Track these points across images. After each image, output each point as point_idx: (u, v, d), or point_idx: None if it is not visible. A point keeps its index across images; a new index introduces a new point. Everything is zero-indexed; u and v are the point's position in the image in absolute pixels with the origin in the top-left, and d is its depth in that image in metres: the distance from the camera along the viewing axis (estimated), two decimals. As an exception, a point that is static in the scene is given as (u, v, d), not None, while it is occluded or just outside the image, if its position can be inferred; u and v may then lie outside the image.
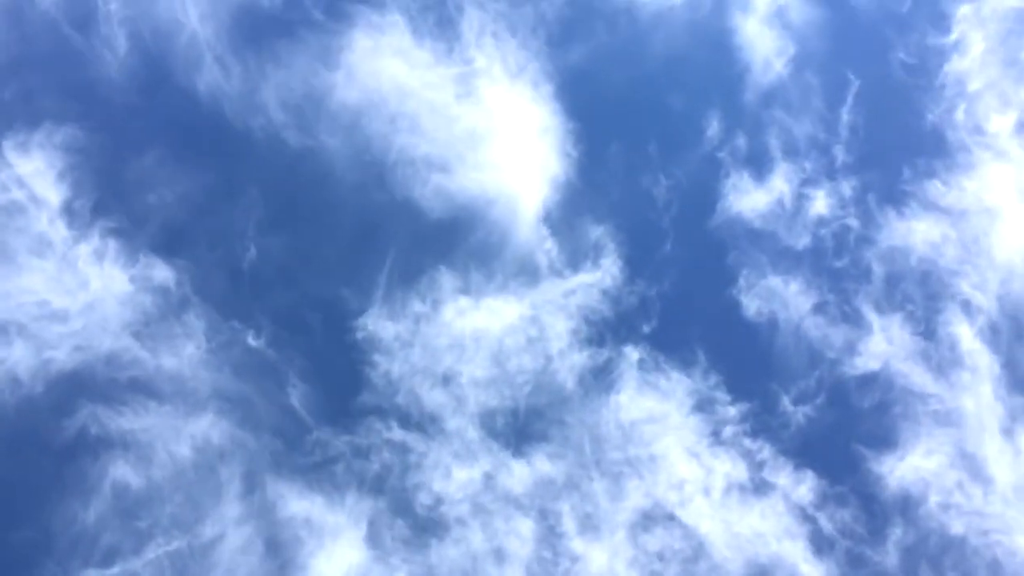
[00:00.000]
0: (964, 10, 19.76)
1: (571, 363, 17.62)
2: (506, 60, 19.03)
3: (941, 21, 19.85)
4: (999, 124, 19.24)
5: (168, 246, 17.29)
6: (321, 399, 17.09)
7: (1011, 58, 19.56)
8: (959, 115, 19.40)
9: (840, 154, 19.06)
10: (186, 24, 18.51)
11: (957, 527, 17.01)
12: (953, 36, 19.78)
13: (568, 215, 18.48)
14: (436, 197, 18.22)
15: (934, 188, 18.92)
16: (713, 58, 19.59)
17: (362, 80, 18.66)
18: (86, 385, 16.30)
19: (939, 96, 19.51)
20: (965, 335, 18.16)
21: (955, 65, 19.67)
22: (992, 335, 18.18)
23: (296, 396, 17.01)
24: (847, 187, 18.90)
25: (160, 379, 16.66)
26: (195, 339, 16.92)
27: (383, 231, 18.02)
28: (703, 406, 17.62)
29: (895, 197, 18.88)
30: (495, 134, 18.56)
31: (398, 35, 18.98)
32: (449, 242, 18.04)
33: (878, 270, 18.50)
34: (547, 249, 18.18)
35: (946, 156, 19.12)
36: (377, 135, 18.42)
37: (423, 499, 16.75)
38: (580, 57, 19.37)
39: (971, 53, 19.65)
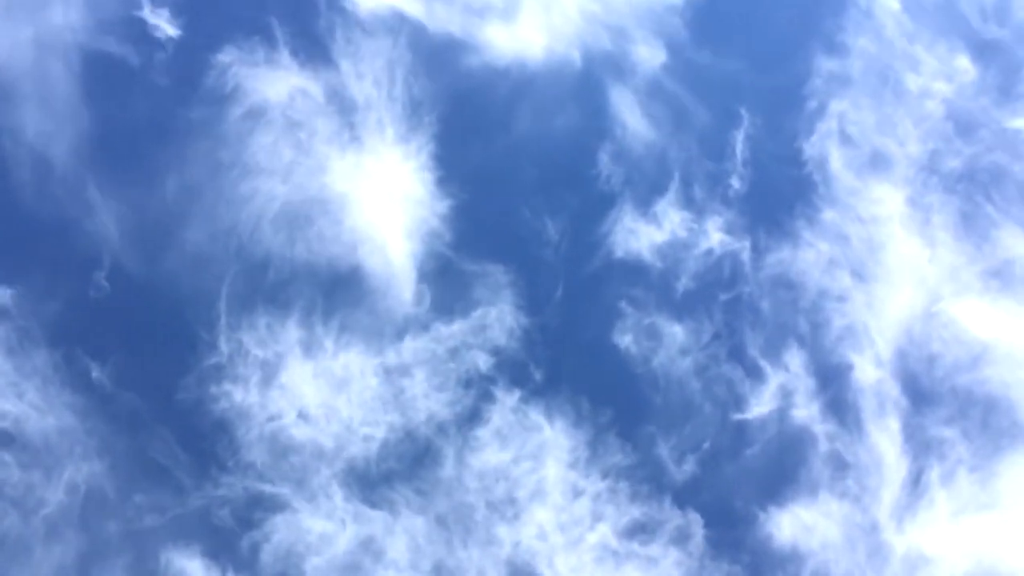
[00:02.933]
0: (861, 42, 19.26)
1: (438, 411, 16.58)
2: (381, 119, 18.11)
3: (833, 51, 19.27)
4: (888, 151, 18.64)
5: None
6: (167, 446, 16.00)
7: (896, 88, 19.07)
8: (845, 144, 18.77)
9: (731, 188, 18.29)
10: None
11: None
12: (839, 68, 19.23)
13: (445, 264, 17.50)
14: (305, 248, 17.21)
15: (823, 218, 18.16)
16: (598, 95, 18.83)
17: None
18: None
19: (825, 125, 18.83)
20: (862, 371, 17.31)
21: (840, 94, 19.06)
22: (890, 369, 17.33)
23: (140, 442, 15.93)
24: (737, 222, 18.08)
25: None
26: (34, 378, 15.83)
27: (245, 278, 16.98)
28: (582, 454, 16.58)
29: (786, 230, 18.09)
30: (366, 186, 17.63)
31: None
32: (319, 294, 17.04)
33: (768, 305, 17.64)
34: (421, 300, 17.17)
35: (833, 185, 18.39)
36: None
37: (277, 554, 15.64)
38: (456, 104, 18.39)
39: (855, 82, 19.11)
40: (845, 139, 18.67)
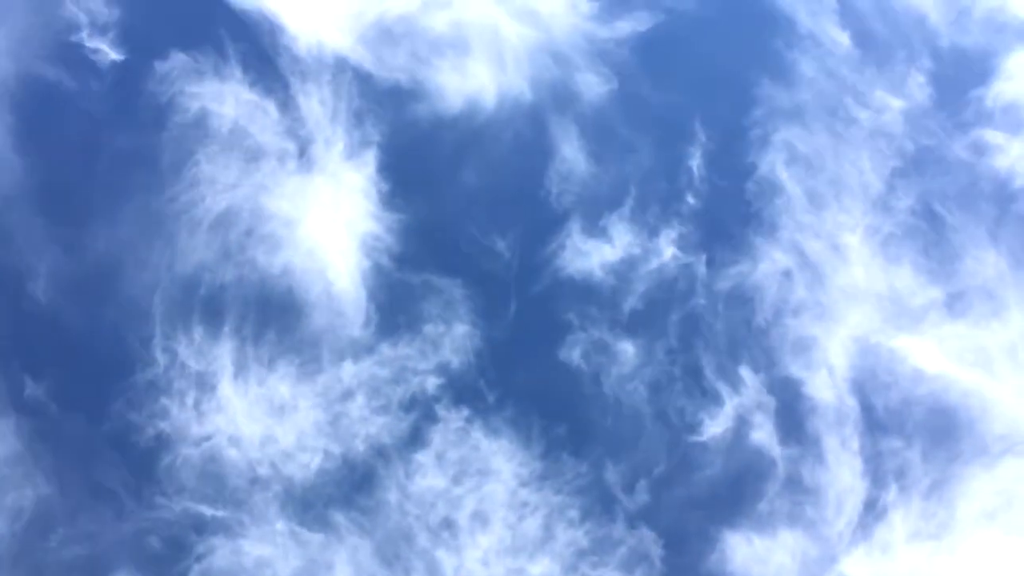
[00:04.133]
0: (811, 70, 19.37)
1: (379, 433, 16.10)
2: (329, 138, 17.90)
3: (781, 78, 19.33)
4: (841, 175, 18.61)
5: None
6: (101, 465, 15.42)
7: (846, 115, 19.12)
8: (798, 166, 18.70)
9: (684, 207, 18.11)
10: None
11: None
12: (788, 96, 19.23)
13: (391, 281, 17.13)
14: (247, 265, 16.83)
15: (779, 238, 18.01)
16: (547, 120, 18.71)
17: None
18: None
19: (777, 150, 18.78)
20: (818, 392, 17.02)
21: (790, 120, 19.03)
22: (847, 390, 17.05)
23: (71, 462, 15.33)
24: (691, 240, 17.85)
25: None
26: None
27: (181, 293, 16.54)
28: (530, 475, 16.10)
29: (740, 248, 17.89)
30: (312, 202, 17.35)
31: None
32: (258, 312, 16.62)
33: (723, 324, 17.35)
34: (366, 318, 16.78)
35: (788, 207, 18.30)
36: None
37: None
38: (404, 128, 18.22)
39: (806, 109, 19.15)
40: (798, 162, 18.63)
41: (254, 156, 17.37)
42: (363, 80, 18.19)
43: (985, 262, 18.03)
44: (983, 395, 17.09)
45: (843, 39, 19.58)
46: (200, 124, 17.26)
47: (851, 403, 17.05)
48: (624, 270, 17.50)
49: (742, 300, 17.48)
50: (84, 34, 17.48)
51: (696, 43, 19.52)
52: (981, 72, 19.53)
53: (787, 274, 17.74)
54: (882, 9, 19.93)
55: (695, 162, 18.35)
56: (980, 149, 19.01)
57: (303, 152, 17.55)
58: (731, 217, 18.15)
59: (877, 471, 16.72)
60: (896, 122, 19.10)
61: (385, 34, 18.48)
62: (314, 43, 18.06)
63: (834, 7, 19.75)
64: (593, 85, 18.85)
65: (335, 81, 18.00)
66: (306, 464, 15.82)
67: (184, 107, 17.28)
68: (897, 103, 19.17)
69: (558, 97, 18.74)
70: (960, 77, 19.54)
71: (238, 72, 17.66)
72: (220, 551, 15.31)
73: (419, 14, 18.67)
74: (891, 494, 16.49)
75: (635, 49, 19.10)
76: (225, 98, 17.46)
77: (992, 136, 19.04)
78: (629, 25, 19.20)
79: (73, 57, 17.38)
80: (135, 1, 17.91)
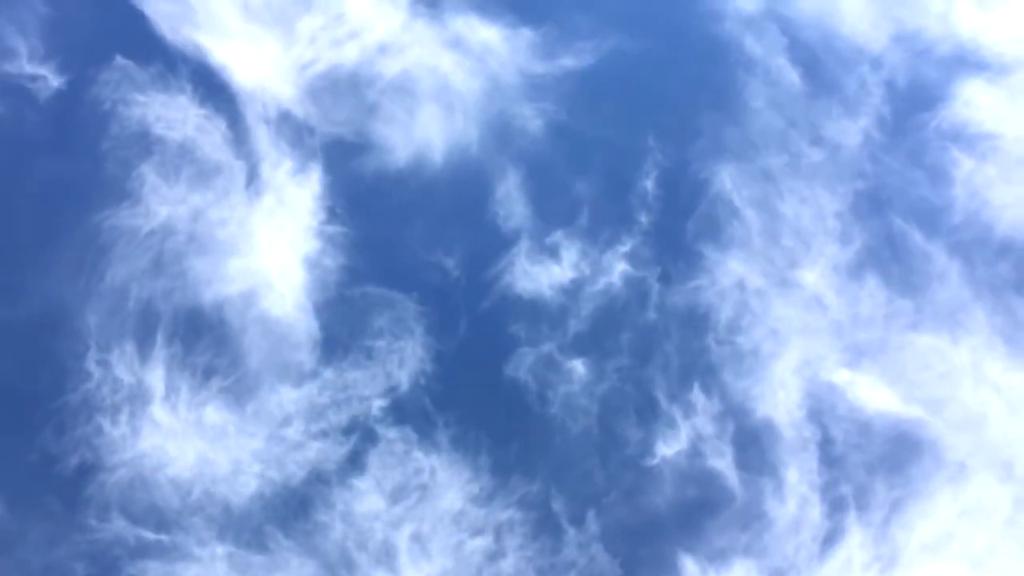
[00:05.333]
0: (759, 103, 19.50)
1: (320, 455, 15.73)
2: (276, 160, 17.89)
3: (728, 109, 19.47)
4: (796, 204, 18.62)
5: None
6: (32, 485, 14.98)
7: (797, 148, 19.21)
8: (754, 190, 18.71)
9: (636, 227, 18.04)
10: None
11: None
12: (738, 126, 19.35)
13: (336, 300, 16.93)
14: (188, 283, 16.62)
15: (732, 258, 17.93)
16: (502, 123, 18.75)
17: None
18: None
19: (727, 178, 18.77)
20: (773, 415, 16.72)
21: (738, 153, 19.08)
22: (802, 414, 16.75)
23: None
24: (642, 259, 17.73)
25: None
26: None
27: (117, 312, 16.26)
28: (476, 497, 15.68)
29: (693, 267, 17.79)
30: (257, 221, 17.23)
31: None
32: (196, 331, 16.36)
33: (676, 343, 17.13)
34: (310, 336, 16.53)
35: (741, 227, 18.23)
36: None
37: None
38: (352, 153, 18.25)
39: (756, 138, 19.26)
40: (748, 188, 18.61)
41: (198, 173, 17.30)
42: (308, 128, 18.28)
43: (940, 289, 17.93)
44: (931, 427, 16.82)
45: (793, 73, 19.76)
46: (145, 141, 17.27)
47: (805, 432, 16.75)
48: (574, 288, 17.36)
49: (694, 319, 17.32)
50: (23, 60, 17.65)
51: (646, 75, 19.65)
52: (931, 101, 19.72)
53: (739, 299, 17.60)
54: (830, 42, 20.18)
55: (647, 183, 18.36)
56: (933, 176, 19.08)
57: (249, 171, 17.50)
58: (680, 240, 18.08)
59: (831, 500, 16.36)
60: (846, 151, 19.17)
61: (332, 85, 18.65)
62: (259, 91, 18.23)
63: (784, 43, 19.99)
64: (540, 116, 18.92)
65: (280, 127, 18.16)
66: (243, 488, 15.37)
67: (129, 123, 17.32)
68: (848, 132, 19.28)
69: (505, 129, 18.80)
70: (910, 107, 19.71)
71: (186, 88, 17.79)
72: (154, 575, 14.80)
73: (366, 62, 18.81)
74: (846, 522, 16.12)
75: (581, 82, 19.22)
76: (170, 112, 17.51)
77: (946, 162, 19.14)
78: (572, 61, 19.34)
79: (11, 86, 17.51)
80: (77, 27, 18.14)
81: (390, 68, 18.83)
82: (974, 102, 19.69)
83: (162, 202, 16.97)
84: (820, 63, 20.00)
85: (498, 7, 19.54)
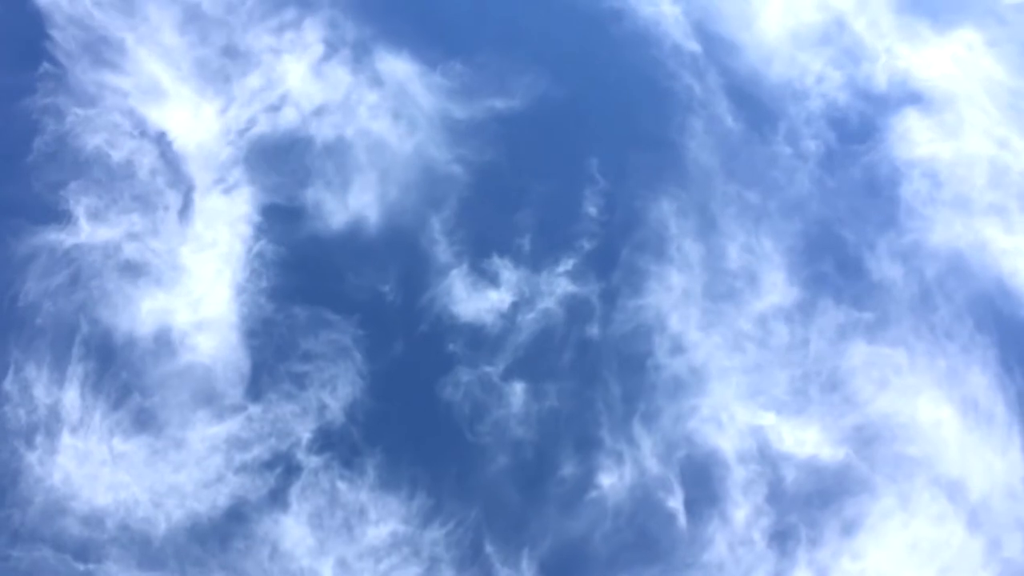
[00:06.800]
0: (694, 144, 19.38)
1: (242, 487, 14.62)
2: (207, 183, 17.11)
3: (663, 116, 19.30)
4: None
5: None
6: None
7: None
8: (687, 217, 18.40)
9: (578, 250, 17.52)
10: None
11: None
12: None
13: (266, 326, 16.02)
14: (110, 307, 15.59)
15: (672, 282, 17.54)
16: (433, 168, 18.21)
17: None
18: None
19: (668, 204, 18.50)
20: (716, 445, 16.12)
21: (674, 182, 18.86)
22: (745, 446, 16.17)
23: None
24: (583, 281, 17.23)
25: None
26: None
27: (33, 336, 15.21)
28: (407, 534, 14.62)
29: (634, 290, 17.30)
30: (188, 245, 16.35)
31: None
32: (113, 359, 15.35)
33: (616, 368, 16.50)
34: (238, 365, 15.59)
35: (678, 251, 17.88)
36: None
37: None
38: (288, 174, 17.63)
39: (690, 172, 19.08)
40: (686, 218, 18.30)
41: (127, 195, 16.43)
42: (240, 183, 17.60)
43: (881, 320, 17.70)
44: (877, 459, 16.41)
45: (730, 110, 19.68)
46: (75, 159, 16.45)
47: (750, 465, 16.17)
48: (512, 312, 16.70)
49: (634, 344, 16.78)
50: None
51: (579, 115, 19.32)
52: (867, 134, 19.85)
53: (678, 327, 17.09)
54: (764, 80, 20.24)
55: (589, 209, 17.92)
56: (869, 208, 19.07)
57: (182, 197, 16.67)
58: (620, 266, 17.58)
59: (778, 535, 15.75)
60: (782, 185, 19.04)
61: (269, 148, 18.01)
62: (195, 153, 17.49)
63: (721, 82, 19.97)
64: (477, 154, 18.37)
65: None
66: (162, 520, 14.29)
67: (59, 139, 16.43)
68: (784, 167, 19.19)
69: (437, 172, 18.19)
70: (846, 140, 19.80)
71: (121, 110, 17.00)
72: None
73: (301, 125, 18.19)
74: (796, 556, 15.51)
75: (515, 122, 18.77)
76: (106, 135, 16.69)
77: (882, 192, 19.21)
78: (506, 103, 18.93)
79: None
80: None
81: (324, 130, 18.20)
82: (909, 135, 19.91)
83: (88, 221, 16.18)
84: (756, 100, 20.01)
85: (431, 57, 19.07)
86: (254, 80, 18.25)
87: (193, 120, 17.52)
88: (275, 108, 18.10)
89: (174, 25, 18.26)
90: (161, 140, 17.17)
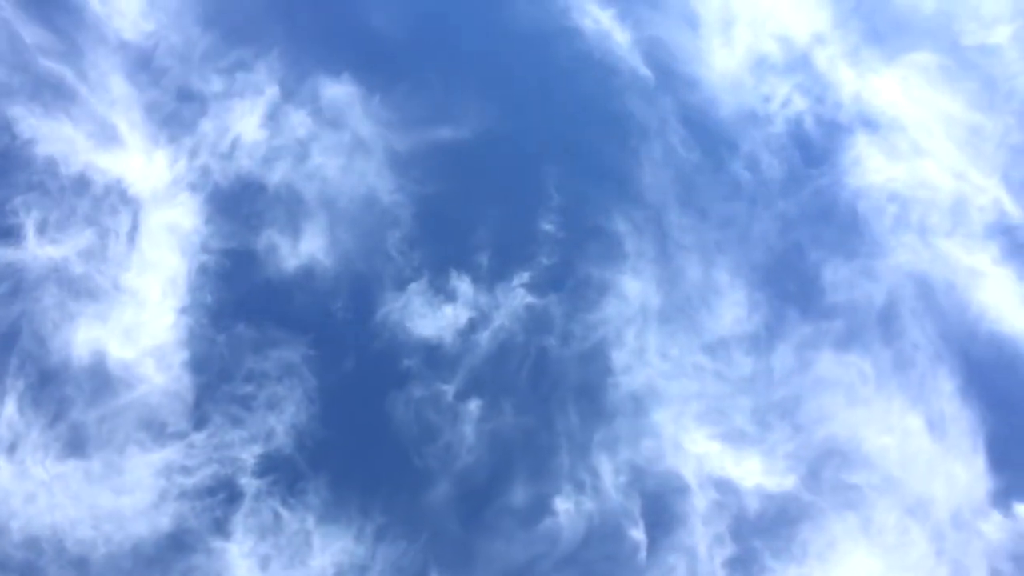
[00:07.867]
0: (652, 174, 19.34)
1: (184, 515, 14.30)
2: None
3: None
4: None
5: None
6: None
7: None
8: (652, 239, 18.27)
9: (536, 267, 17.18)
10: None
11: None
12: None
13: (211, 349, 15.70)
14: (54, 330, 15.38)
15: (629, 295, 17.29)
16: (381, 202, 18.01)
17: None
18: None
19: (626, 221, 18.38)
20: (681, 471, 15.71)
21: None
22: (705, 472, 15.79)
23: None
24: (541, 296, 16.89)
25: None
26: None
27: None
28: (354, 564, 14.20)
29: (591, 305, 17.01)
30: (133, 272, 16.22)
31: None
32: (48, 384, 15.07)
33: (573, 386, 16.14)
34: (185, 393, 15.28)
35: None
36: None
37: None
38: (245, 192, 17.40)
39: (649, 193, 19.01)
40: (651, 243, 18.20)
41: (76, 212, 16.37)
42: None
43: (839, 346, 17.41)
44: (840, 483, 16.10)
45: (684, 136, 19.62)
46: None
47: (709, 492, 15.82)
48: (468, 328, 16.42)
49: (591, 364, 16.43)
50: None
51: (534, 145, 19.20)
52: (819, 158, 19.76)
53: (634, 346, 16.85)
54: (719, 107, 20.34)
55: (546, 226, 17.78)
56: (824, 232, 18.90)
57: (130, 216, 16.56)
58: (577, 284, 17.41)
59: (735, 565, 15.36)
60: (738, 211, 18.88)
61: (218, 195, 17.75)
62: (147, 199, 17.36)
63: (675, 107, 20.02)
64: (427, 182, 17.95)
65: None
66: (101, 545, 13.89)
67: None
68: (739, 193, 19.05)
69: (389, 200, 17.95)
70: (799, 164, 19.63)
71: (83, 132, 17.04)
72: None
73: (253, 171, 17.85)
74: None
75: (463, 151, 18.33)
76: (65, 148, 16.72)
77: (836, 217, 19.12)
78: (453, 132, 18.45)
79: None
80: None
81: (273, 177, 17.99)
82: (866, 160, 19.93)
83: (34, 236, 15.90)
84: (713, 126, 20.03)
85: (379, 87, 18.65)
86: (206, 125, 18.13)
87: (146, 167, 17.47)
88: (226, 155, 18.06)
89: (124, 70, 18.11)
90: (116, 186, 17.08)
